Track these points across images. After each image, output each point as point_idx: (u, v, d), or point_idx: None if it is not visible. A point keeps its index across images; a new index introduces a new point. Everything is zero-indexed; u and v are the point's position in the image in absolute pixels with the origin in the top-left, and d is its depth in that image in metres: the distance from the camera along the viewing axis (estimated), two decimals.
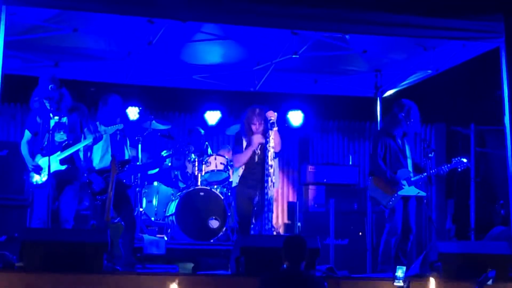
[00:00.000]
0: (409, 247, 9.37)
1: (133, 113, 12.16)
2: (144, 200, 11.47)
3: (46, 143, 8.60)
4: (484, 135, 13.76)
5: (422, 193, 9.39)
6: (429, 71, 11.23)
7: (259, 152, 9.27)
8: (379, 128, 9.92)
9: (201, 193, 11.13)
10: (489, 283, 6.63)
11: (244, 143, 9.33)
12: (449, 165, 9.43)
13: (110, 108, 9.19)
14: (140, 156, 11.09)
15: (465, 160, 9.50)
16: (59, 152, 8.60)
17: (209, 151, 11.95)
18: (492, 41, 9.38)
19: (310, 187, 11.88)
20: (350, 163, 13.62)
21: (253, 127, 9.28)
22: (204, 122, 13.46)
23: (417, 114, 9.48)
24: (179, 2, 8.80)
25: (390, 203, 9.26)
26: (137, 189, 11.01)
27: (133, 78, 11.85)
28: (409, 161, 9.53)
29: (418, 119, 9.51)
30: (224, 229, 11.00)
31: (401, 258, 9.19)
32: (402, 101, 9.62)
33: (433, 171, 9.36)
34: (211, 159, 11.54)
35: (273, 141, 9.15)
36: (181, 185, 11.76)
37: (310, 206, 11.76)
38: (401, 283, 6.65)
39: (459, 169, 9.55)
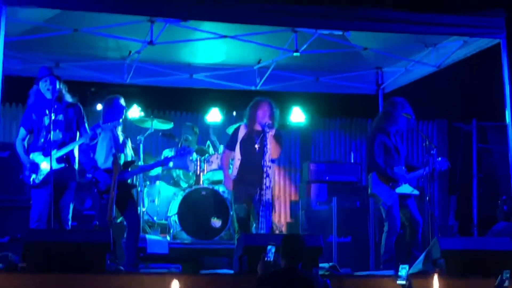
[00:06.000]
0: (420, 240, 9.38)
1: (134, 113, 12.15)
2: (146, 200, 11.47)
3: (42, 140, 8.59)
4: (486, 131, 13.74)
5: (416, 192, 9.42)
6: (431, 67, 11.22)
7: (258, 146, 9.29)
8: (372, 126, 9.92)
9: (203, 192, 11.15)
10: (505, 285, 6.59)
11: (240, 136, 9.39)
12: (428, 167, 9.36)
13: (114, 109, 9.16)
14: (141, 156, 11.10)
15: (439, 159, 9.50)
16: (55, 151, 8.53)
17: (211, 150, 11.94)
18: (493, 37, 9.39)
19: (312, 185, 11.86)
20: (352, 160, 13.61)
21: (259, 113, 9.30)
22: (205, 121, 13.49)
23: (409, 111, 9.50)
24: (180, 0, 8.81)
25: (390, 199, 9.27)
26: (139, 189, 11.01)
27: (134, 77, 11.85)
28: (402, 159, 9.56)
29: (411, 115, 9.53)
30: (226, 228, 11.00)
31: (414, 252, 9.18)
32: (393, 98, 9.67)
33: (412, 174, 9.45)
34: (213, 158, 11.54)
35: (271, 145, 9.17)
36: (183, 184, 11.76)
37: (313, 204, 11.74)
38: (404, 282, 6.65)
39: (442, 169, 9.56)
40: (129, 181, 9.34)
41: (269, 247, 6.60)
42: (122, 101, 9.25)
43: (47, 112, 8.60)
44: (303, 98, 13.40)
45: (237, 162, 9.45)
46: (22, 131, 8.77)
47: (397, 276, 6.74)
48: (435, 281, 6.52)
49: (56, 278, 7.34)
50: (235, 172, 9.44)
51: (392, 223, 9.28)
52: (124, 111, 9.33)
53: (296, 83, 12.36)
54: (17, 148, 8.76)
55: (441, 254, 8.04)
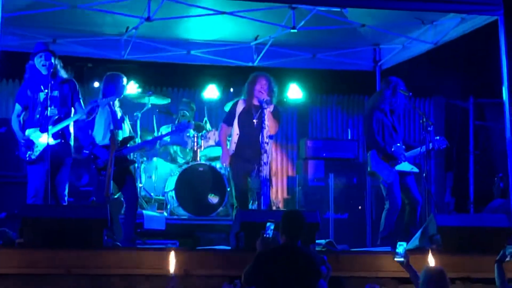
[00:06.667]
0: (418, 218, 9.40)
1: (131, 89, 12.13)
2: (144, 176, 11.47)
3: (38, 116, 8.58)
4: (483, 108, 13.77)
5: (415, 169, 9.43)
6: (428, 44, 11.21)
7: (256, 121, 9.27)
8: (368, 105, 9.92)
9: (200, 169, 11.15)
10: (508, 260, 6.62)
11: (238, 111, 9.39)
12: (424, 147, 9.34)
13: (116, 86, 9.16)
14: (139, 132, 11.09)
15: (437, 138, 9.48)
16: (50, 127, 8.48)
17: (208, 126, 11.94)
18: (491, 14, 9.36)
19: (309, 161, 11.87)
20: (349, 137, 13.62)
21: (257, 87, 9.28)
22: (202, 98, 13.48)
23: (404, 89, 9.49)
24: None
25: (391, 177, 9.28)
26: (136, 165, 11.01)
27: (131, 53, 11.82)
28: (400, 137, 9.56)
29: (405, 95, 9.52)
30: (223, 204, 11.02)
31: (412, 230, 9.20)
32: (388, 78, 9.67)
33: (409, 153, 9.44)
34: (210, 134, 11.55)
35: (269, 122, 9.15)
36: (180, 160, 11.76)
37: (310, 181, 11.75)
38: (401, 259, 6.67)
39: (441, 148, 9.54)
40: (128, 157, 9.33)
41: (268, 224, 6.60)
42: (124, 80, 9.27)
43: (42, 88, 8.58)
44: (300, 75, 13.39)
45: (235, 137, 9.44)
46: (18, 107, 8.74)
47: (394, 253, 6.76)
48: (431, 257, 6.54)
49: (53, 254, 7.35)
50: (233, 147, 9.43)
51: (393, 201, 9.29)
52: (124, 90, 9.34)
53: (293, 59, 12.34)
54: (13, 124, 8.74)
55: (437, 230, 8.07)
